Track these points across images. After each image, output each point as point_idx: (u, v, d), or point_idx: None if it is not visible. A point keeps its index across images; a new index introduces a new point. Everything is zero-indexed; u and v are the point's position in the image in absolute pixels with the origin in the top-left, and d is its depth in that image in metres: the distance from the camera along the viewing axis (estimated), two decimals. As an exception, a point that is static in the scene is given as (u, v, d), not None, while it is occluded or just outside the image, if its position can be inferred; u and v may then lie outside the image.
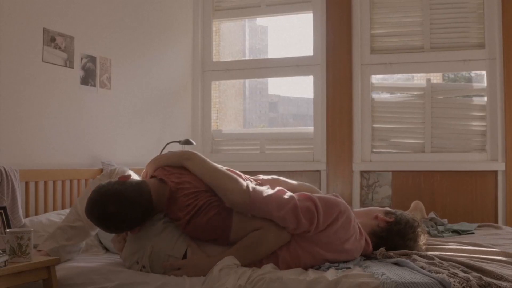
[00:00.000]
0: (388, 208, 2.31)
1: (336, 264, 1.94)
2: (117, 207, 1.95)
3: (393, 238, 2.16)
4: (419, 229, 2.22)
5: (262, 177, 2.36)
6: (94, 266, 2.12)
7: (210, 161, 2.15)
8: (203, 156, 2.17)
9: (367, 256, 2.12)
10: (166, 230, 2.06)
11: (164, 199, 2.05)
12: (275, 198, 1.99)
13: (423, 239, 2.24)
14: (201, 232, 2.00)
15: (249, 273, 1.84)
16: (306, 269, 1.94)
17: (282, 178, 2.38)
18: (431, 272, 1.75)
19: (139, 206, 2.00)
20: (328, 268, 1.91)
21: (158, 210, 2.08)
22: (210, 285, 1.82)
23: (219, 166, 2.13)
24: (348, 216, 2.04)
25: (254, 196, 1.97)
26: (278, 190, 2.06)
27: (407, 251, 2.10)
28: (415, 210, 3.08)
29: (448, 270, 1.78)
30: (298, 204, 1.98)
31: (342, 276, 1.76)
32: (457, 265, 1.86)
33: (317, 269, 1.93)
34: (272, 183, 2.24)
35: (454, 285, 1.65)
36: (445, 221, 3.11)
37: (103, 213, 1.96)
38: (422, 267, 1.82)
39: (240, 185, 2.00)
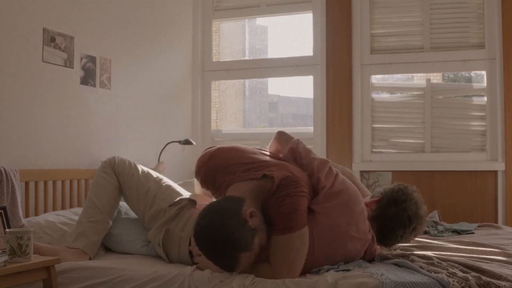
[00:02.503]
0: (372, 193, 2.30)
1: (336, 266, 1.94)
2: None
3: (389, 211, 2.12)
4: (409, 188, 2.20)
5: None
6: (95, 262, 2.15)
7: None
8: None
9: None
10: (179, 215, 2.22)
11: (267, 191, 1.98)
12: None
13: (421, 198, 2.20)
14: None
15: (253, 275, 1.86)
16: (308, 270, 1.93)
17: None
18: (430, 272, 1.76)
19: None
20: (327, 271, 1.91)
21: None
22: (214, 283, 1.84)
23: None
24: (354, 198, 2.03)
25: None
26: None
27: (404, 252, 2.09)
28: None
29: (447, 270, 1.78)
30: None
31: (341, 277, 1.77)
32: (456, 264, 1.86)
33: (316, 272, 1.93)
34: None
35: (453, 284, 1.65)
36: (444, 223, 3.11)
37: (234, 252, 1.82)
38: (421, 267, 1.82)
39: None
